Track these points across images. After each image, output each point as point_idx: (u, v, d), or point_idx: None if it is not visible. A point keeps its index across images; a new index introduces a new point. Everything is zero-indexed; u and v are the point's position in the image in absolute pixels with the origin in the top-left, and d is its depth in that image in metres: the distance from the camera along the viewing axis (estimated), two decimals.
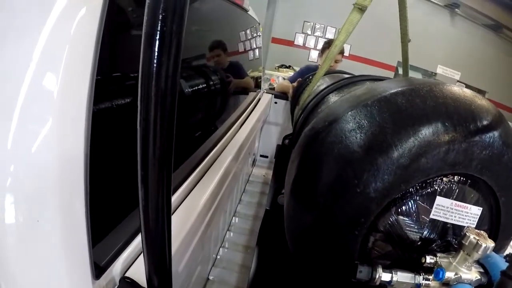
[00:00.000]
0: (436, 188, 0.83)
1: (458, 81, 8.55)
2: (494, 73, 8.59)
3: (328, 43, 3.37)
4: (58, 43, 0.52)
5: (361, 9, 1.42)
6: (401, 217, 0.84)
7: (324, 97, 1.55)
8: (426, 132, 0.79)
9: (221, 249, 2.20)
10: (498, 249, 0.95)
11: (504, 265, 0.75)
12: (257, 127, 2.45)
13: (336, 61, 3.23)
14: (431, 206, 0.83)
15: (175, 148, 0.47)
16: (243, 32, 2.12)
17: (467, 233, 0.75)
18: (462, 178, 0.84)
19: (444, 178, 0.83)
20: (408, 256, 0.86)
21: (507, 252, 0.95)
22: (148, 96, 0.41)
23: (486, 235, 0.75)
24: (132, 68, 0.74)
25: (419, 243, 0.86)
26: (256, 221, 2.52)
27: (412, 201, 0.83)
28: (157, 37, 0.39)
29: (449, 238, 0.85)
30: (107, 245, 0.71)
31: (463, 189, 0.84)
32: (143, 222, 0.51)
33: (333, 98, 1.47)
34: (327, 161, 0.89)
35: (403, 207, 0.84)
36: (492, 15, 8.14)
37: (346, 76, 2.01)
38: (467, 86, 8.36)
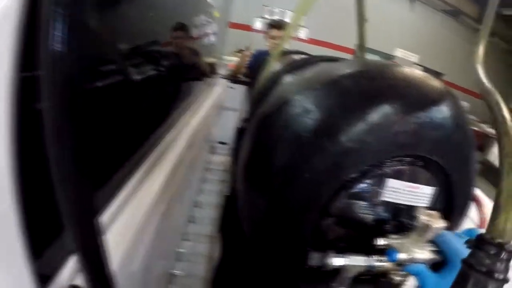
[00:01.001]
0: (387, 170, 0.81)
1: (416, 63, 8.78)
2: (452, 56, 8.93)
3: (271, 24, 3.39)
4: None
5: None
6: (352, 200, 0.83)
7: (277, 79, 1.51)
8: (374, 115, 0.77)
9: (184, 242, 2.15)
10: (452, 227, 0.95)
11: (457, 241, 0.76)
12: (212, 113, 2.40)
13: (274, 38, 3.26)
14: (383, 188, 0.82)
15: (122, 140, 0.43)
16: (196, 17, 2.05)
17: (418, 215, 0.75)
18: (413, 160, 0.83)
19: (394, 160, 0.81)
20: (362, 238, 0.85)
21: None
22: (49, 90, 0.38)
23: (438, 215, 0.75)
24: None
25: (372, 225, 0.85)
26: (219, 210, 2.47)
27: (362, 184, 0.82)
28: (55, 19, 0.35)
29: (402, 219, 0.85)
30: (51, 252, 0.65)
31: (415, 170, 0.83)
32: (70, 229, 0.47)
33: (286, 79, 1.44)
34: (275, 147, 0.87)
35: (354, 191, 0.82)
36: (451, 1, 8.39)
37: (301, 57, 1.99)
38: (425, 69, 8.64)
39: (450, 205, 0.92)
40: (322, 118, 0.81)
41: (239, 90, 3.38)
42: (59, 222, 0.67)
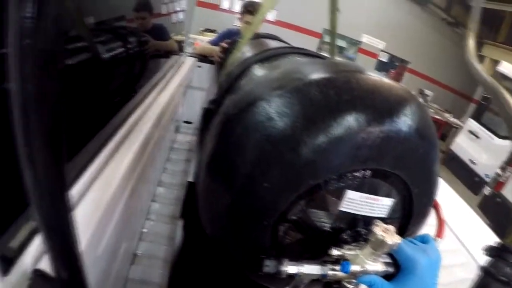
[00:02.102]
0: (347, 182, 0.80)
1: (382, 50, 8.87)
2: (418, 45, 9.03)
3: (246, 7, 3.35)
4: None
5: None
6: (310, 209, 0.83)
7: (247, 68, 1.48)
8: (337, 128, 0.75)
9: (147, 221, 2.10)
10: (409, 234, 0.96)
11: (411, 248, 0.77)
12: (180, 91, 2.36)
13: (248, 23, 3.24)
14: (341, 199, 0.81)
15: (89, 118, 0.39)
16: None
17: (374, 230, 0.74)
18: (374, 173, 0.82)
19: (355, 173, 0.80)
20: (318, 246, 0.85)
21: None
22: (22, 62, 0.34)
23: (394, 231, 0.74)
24: None
25: (328, 234, 0.85)
26: (182, 190, 2.42)
27: (321, 194, 0.81)
28: None
29: (359, 229, 0.84)
30: (13, 233, 0.61)
31: (375, 182, 0.83)
32: (35, 210, 0.43)
33: (255, 70, 1.42)
34: (236, 152, 0.85)
35: (312, 200, 0.82)
36: None
37: (271, 44, 1.97)
38: (391, 56, 8.78)
39: (409, 215, 0.92)
40: (284, 128, 0.79)
41: (207, 69, 3.33)
42: (20, 201, 0.60)
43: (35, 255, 0.64)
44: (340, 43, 8.43)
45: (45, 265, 0.63)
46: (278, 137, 0.79)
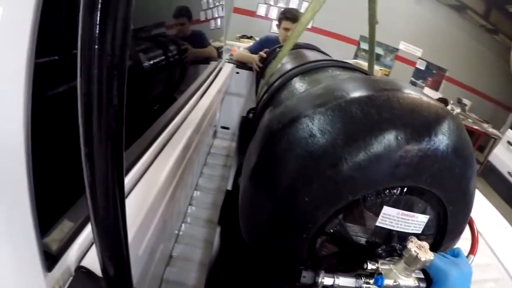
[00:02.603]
0: (384, 199, 0.83)
1: (419, 58, 8.66)
2: (456, 52, 8.68)
3: (284, 14, 3.32)
4: None
5: None
6: (347, 223, 0.85)
7: (288, 80, 1.52)
8: (377, 146, 0.78)
9: (183, 224, 2.15)
10: (443, 249, 0.97)
11: (442, 262, 0.80)
12: (219, 97, 2.39)
13: (287, 30, 3.23)
14: (378, 214, 0.84)
15: (133, 121, 0.42)
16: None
17: (408, 246, 0.76)
18: (410, 190, 0.84)
19: (392, 190, 0.83)
20: (354, 260, 0.88)
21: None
22: (91, 67, 0.37)
23: (427, 247, 0.77)
24: None
25: (363, 248, 0.88)
26: (218, 195, 2.46)
27: (359, 209, 0.84)
28: None
29: (394, 244, 0.86)
30: (59, 231, 0.63)
31: (411, 199, 0.85)
32: (91, 206, 0.45)
33: (296, 83, 1.45)
34: (278, 167, 0.89)
35: (350, 215, 0.85)
36: None
37: (311, 55, 2.00)
38: (429, 63, 8.58)
39: (443, 232, 0.94)
40: (326, 145, 0.82)
41: (245, 76, 3.35)
42: (64, 199, 0.66)
43: (79, 252, 0.68)
44: (377, 50, 8.26)
45: (89, 262, 0.67)
46: (320, 153, 0.82)
